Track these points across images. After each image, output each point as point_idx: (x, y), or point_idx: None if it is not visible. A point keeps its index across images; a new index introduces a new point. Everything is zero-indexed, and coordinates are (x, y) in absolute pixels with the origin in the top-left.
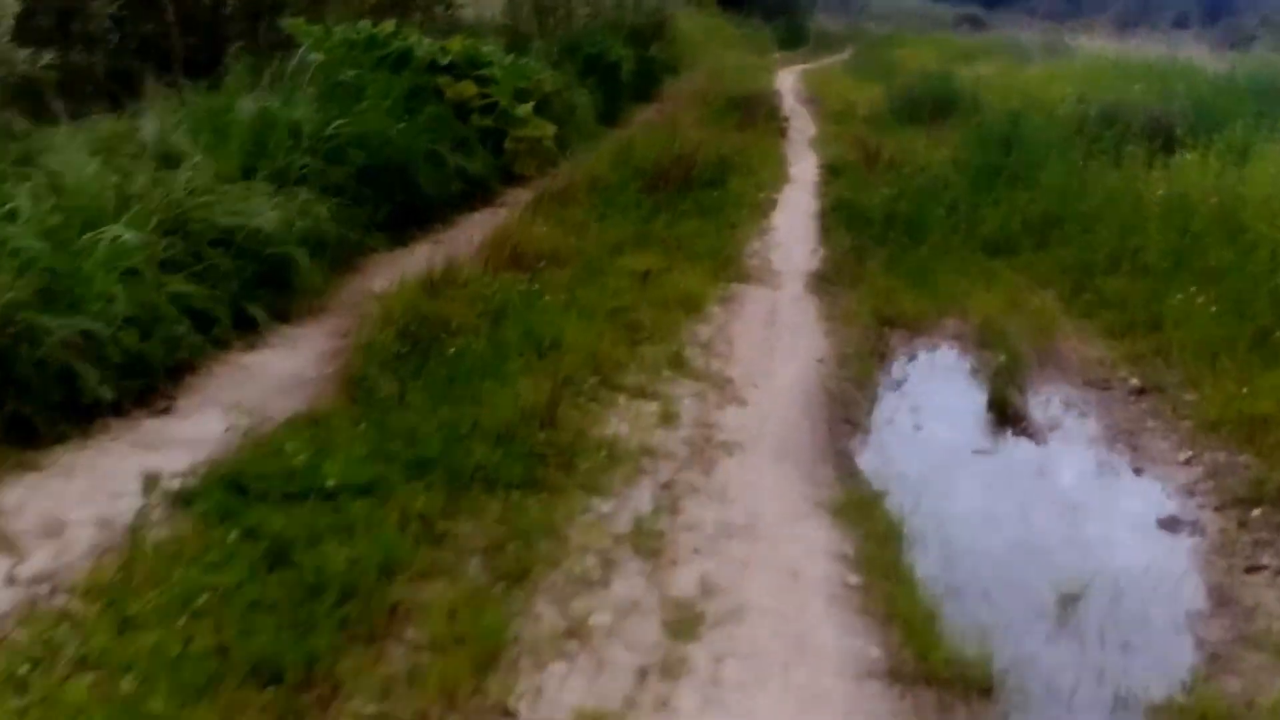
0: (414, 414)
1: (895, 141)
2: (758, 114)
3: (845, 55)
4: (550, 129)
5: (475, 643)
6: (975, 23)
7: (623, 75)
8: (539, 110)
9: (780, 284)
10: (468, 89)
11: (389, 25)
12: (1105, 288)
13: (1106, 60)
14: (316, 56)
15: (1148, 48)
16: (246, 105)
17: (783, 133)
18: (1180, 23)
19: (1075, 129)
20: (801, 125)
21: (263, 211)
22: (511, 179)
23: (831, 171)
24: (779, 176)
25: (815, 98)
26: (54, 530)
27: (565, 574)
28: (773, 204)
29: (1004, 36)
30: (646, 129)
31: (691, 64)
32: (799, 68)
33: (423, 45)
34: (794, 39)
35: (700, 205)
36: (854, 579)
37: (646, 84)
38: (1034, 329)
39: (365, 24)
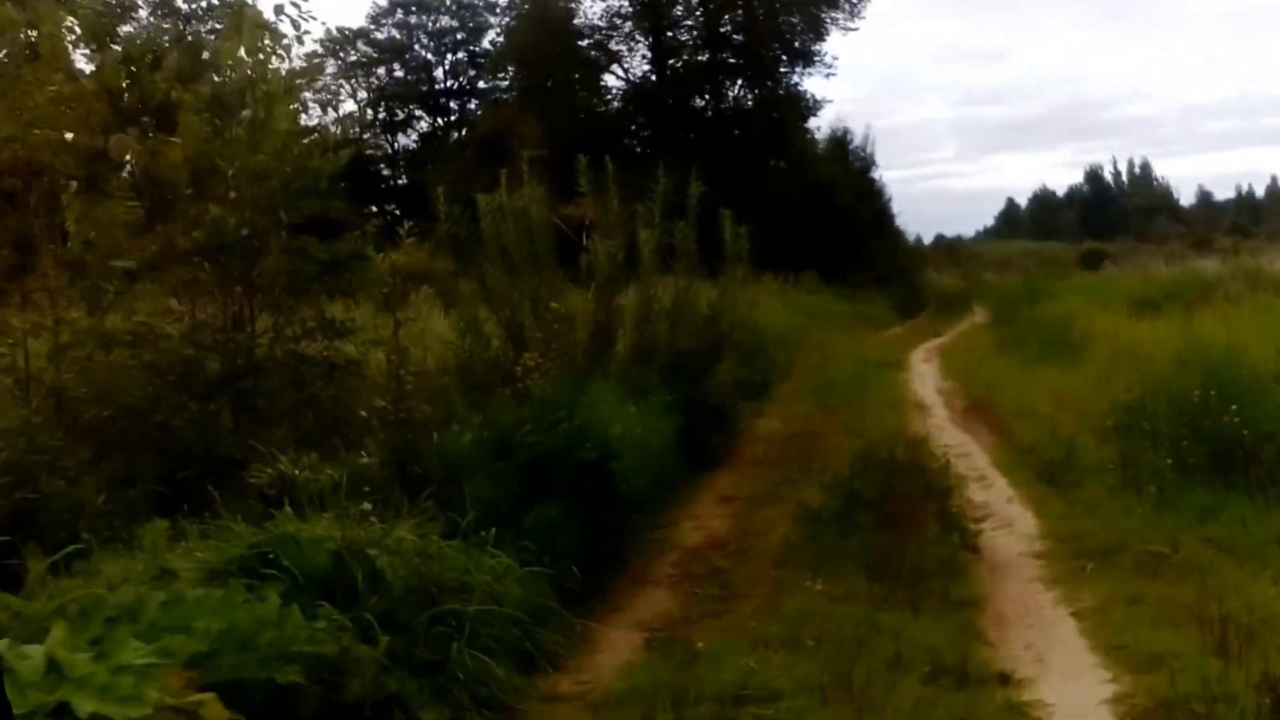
0: None
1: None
2: (919, 512)
3: (977, 317)
4: None
5: None
6: (1096, 256)
7: (621, 488)
8: None
9: None
10: None
11: None
12: None
13: None
14: None
15: None
16: None
17: (977, 553)
18: None
19: None
20: (1012, 513)
21: None
22: None
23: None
24: None
25: (985, 408)
26: None
27: None
28: None
29: (1143, 268)
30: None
31: (788, 369)
32: (933, 344)
33: None
34: (912, 303)
35: None
36: None
37: (704, 447)
38: None
39: None
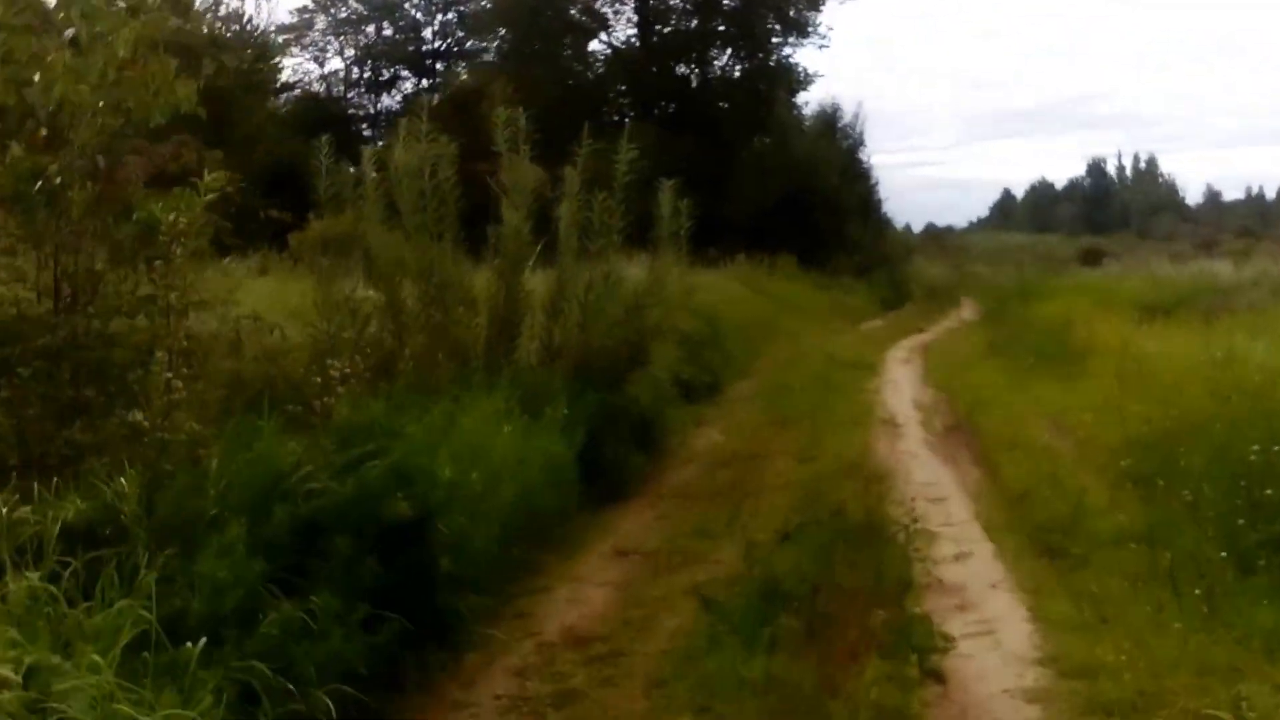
0: None
1: None
2: (864, 618)
3: (966, 313)
4: None
5: None
6: (1096, 253)
7: (445, 561)
8: None
9: None
10: None
11: None
12: None
13: None
14: None
15: None
16: None
17: (942, 684)
18: None
19: None
20: (997, 610)
21: None
22: None
23: None
24: None
25: (969, 431)
26: None
27: None
28: None
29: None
30: None
31: (747, 366)
32: (915, 341)
33: None
34: (896, 295)
35: None
36: None
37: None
38: None
39: None
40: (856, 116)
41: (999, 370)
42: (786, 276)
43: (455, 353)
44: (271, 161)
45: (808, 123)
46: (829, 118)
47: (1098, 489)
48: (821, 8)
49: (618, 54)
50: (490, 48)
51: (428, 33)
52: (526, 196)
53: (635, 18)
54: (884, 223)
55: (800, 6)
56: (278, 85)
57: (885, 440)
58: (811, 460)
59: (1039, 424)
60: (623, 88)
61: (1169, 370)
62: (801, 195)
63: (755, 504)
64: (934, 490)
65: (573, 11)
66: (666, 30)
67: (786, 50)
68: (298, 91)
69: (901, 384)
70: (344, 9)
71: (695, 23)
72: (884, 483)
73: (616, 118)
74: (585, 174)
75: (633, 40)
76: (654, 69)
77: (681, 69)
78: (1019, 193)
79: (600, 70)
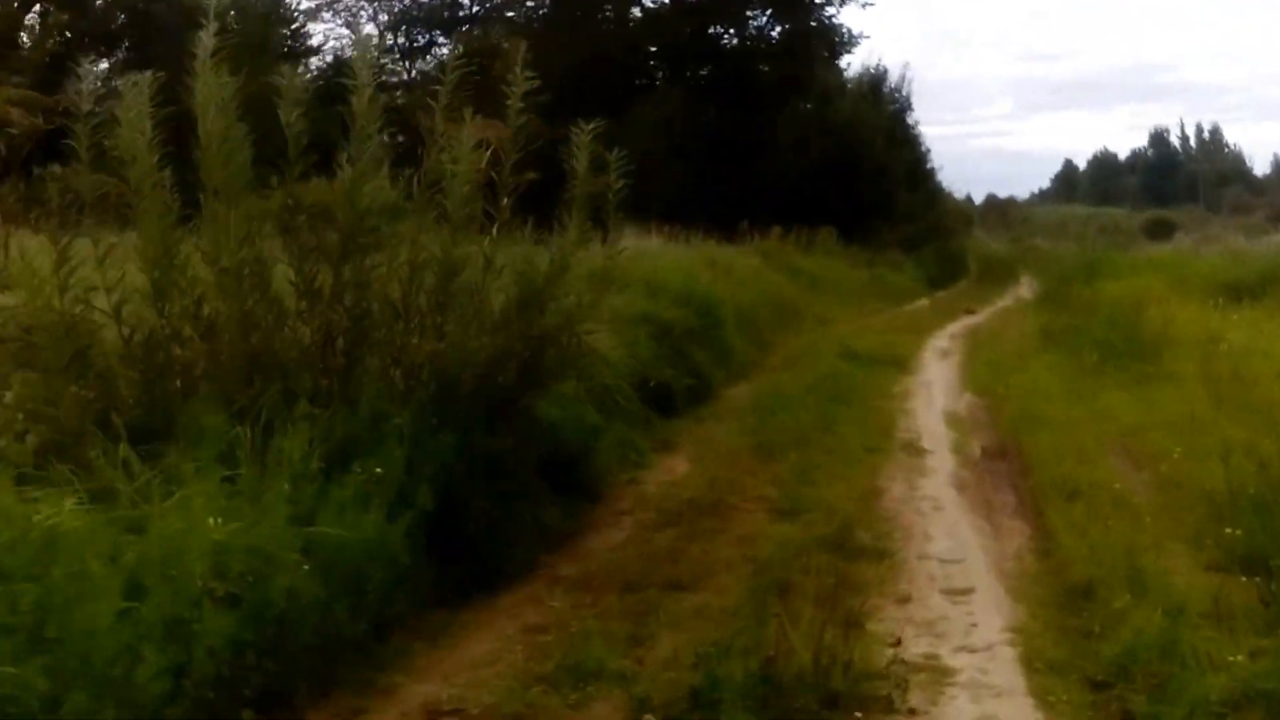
0: None
1: None
2: None
3: (1023, 290)
4: None
5: None
6: (1164, 226)
7: None
8: None
9: None
10: None
11: None
12: None
13: None
14: None
15: None
16: None
17: None
18: None
19: None
20: None
21: None
22: None
23: None
24: None
25: (1016, 458)
26: None
27: None
28: None
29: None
30: None
31: (753, 362)
32: (960, 326)
33: None
34: (948, 271)
35: None
36: None
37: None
38: None
39: None
40: (903, 79)
41: (1056, 368)
42: (824, 252)
43: (262, 371)
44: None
45: (850, 86)
46: (873, 80)
47: (1195, 585)
48: None
49: (646, 14)
50: (524, 11)
51: None
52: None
53: None
54: (936, 192)
55: None
56: (296, 49)
57: (901, 477)
58: (792, 515)
59: (1106, 453)
60: (653, 49)
61: (1271, 373)
62: (844, 163)
63: (681, 606)
64: (956, 575)
65: None
66: None
67: (829, 10)
68: (329, 58)
69: (936, 386)
70: None
71: None
72: (883, 562)
73: (644, 82)
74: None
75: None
76: (686, 30)
77: (715, 29)
78: (1081, 164)
79: (630, 30)
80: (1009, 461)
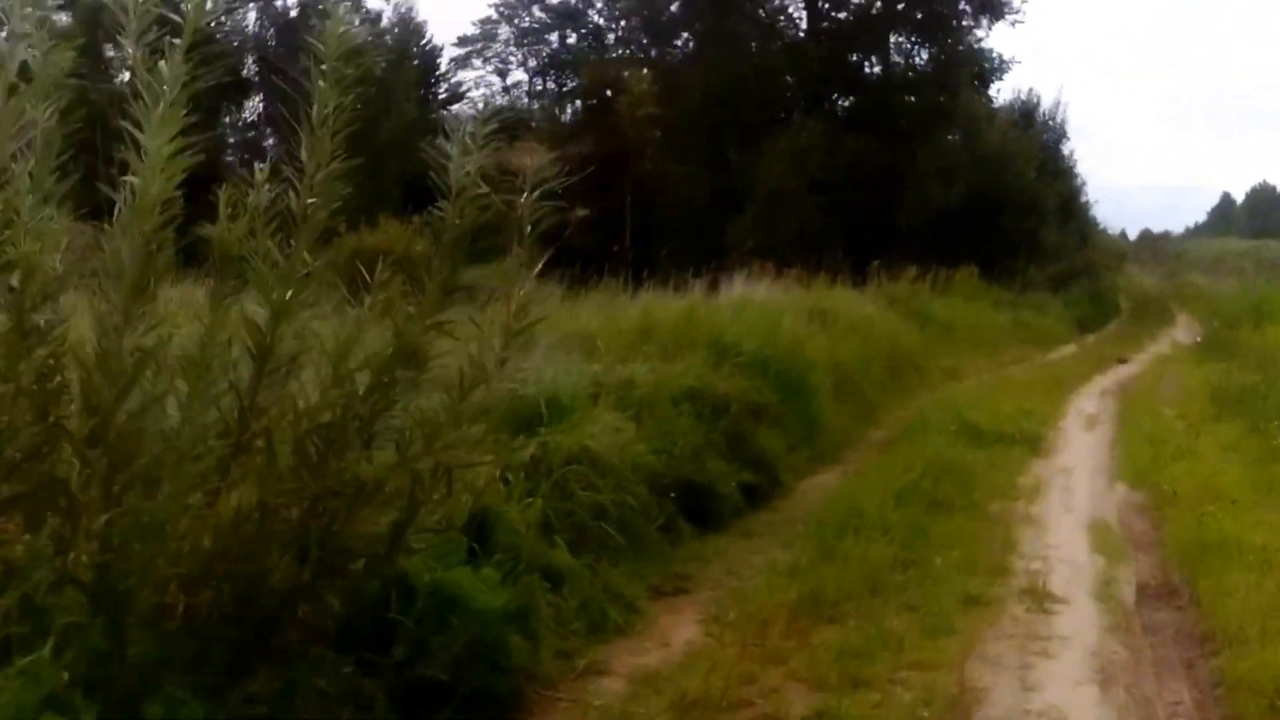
0: None
1: None
2: None
3: (1182, 334)
4: None
5: None
6: None
7: None
8: None
9: None
10: None
11: None
12: None
13: None
14: None
15: None
16: None
17: None
18: None
19: None
20: None
21: None
22: None
23: None
24: None
25: (1187, 610)
26: None
27: None
28: None
29: None
30: None
31: (848, 439)
32: (1113, 379)
33: None
34: (1099, 311)
35: None
36: None
37: None
38: None
39: None
40: (1056, 104)
41: (1237, 449)
42: (962, 293)
43: None
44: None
45: (999, 114)
46: (1024, 107)
47: None
48: None
49: (786, 44)
50: (665, 51)
51: (610, 38)
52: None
53: (803, 2)
54: (1089, 226)
55: None
56: (441, 95)
57: (1011, 661)
58: None
59: None
60: (790, 79)
61: None
62: (989, 195)
63: None
64: None
65: (761, 10)
66: (841, 14)
67: (978, 33)
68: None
69: (1078, 474)
70: (527, 18)
71: (877, 6)
72: None
73: (784, 115)
74: None
75: (798, 23)
76: (824, 58)
77: (855, 57)
78: (1239, 196)
79: (769, 61)
80: (1181, 613)
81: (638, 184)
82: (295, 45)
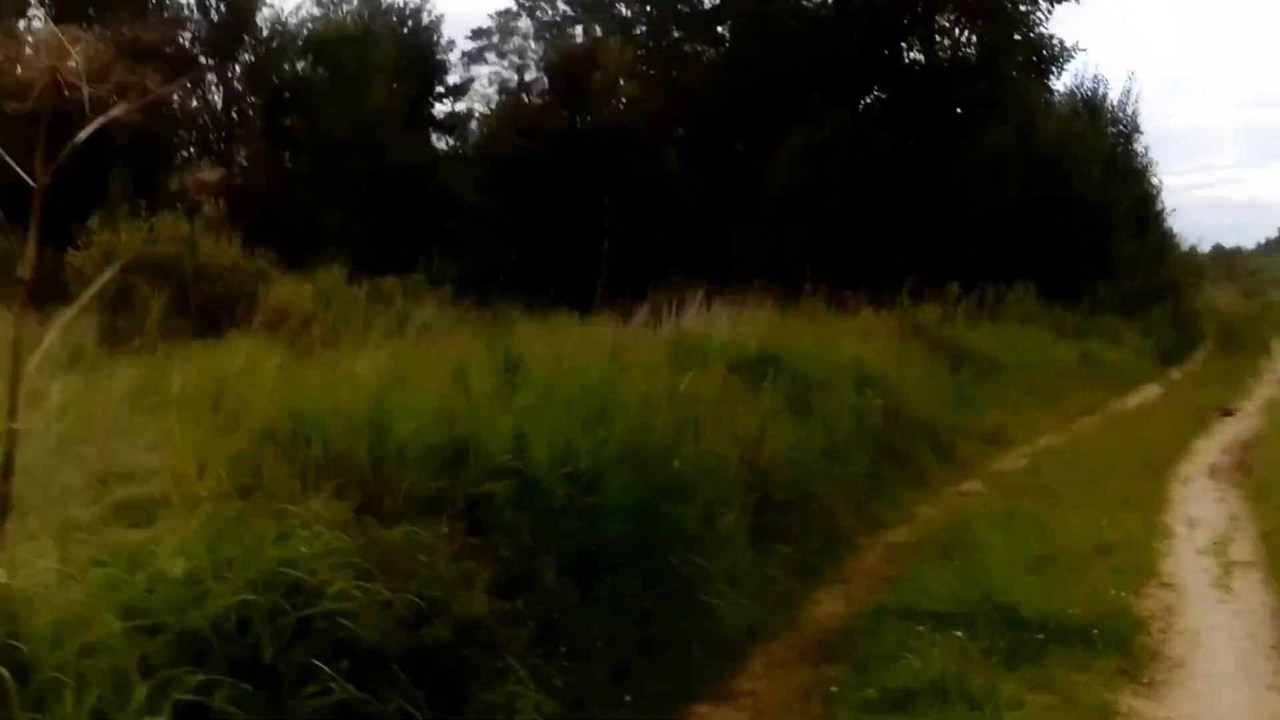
0: None
1: None
2: None
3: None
4: None
5: None
6: None
7: None
8: None
9: None
10: None
11: None
12: None
13: None
14: None
15: None
16: None
17: None
18: None
19: None
20: None
21: None
22: None
23: None
24: None
25: None
26: None
27: None
28: None
29: None
30: None
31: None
32: (1222, 440)
33: None
34: (1182, 338)
35: None
36: None
37: None
38: None
39: None
40: (1127, 94)
41: None
42: (1016, 317)
43: None
44: None
45: (1059, 104)
46: (1089, 98)
47: None
48: None
49: (812, 26)
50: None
51: (638, 30)
52: None
53: None
54: (1166, 238)
55: None
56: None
57: None
58: None
59: None
60: (815, 69)
61: None
62: (1048, 199)
63: None
64: None
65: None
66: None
67: (1034, 19)
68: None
69: (1225, 656)
70: (549, 11)
71: None
72: None
73: (801, 106)
74: None
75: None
76: (855, 46)
77: (891, 45)
78: None
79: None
80: None
81: (625, 182)
82: None
